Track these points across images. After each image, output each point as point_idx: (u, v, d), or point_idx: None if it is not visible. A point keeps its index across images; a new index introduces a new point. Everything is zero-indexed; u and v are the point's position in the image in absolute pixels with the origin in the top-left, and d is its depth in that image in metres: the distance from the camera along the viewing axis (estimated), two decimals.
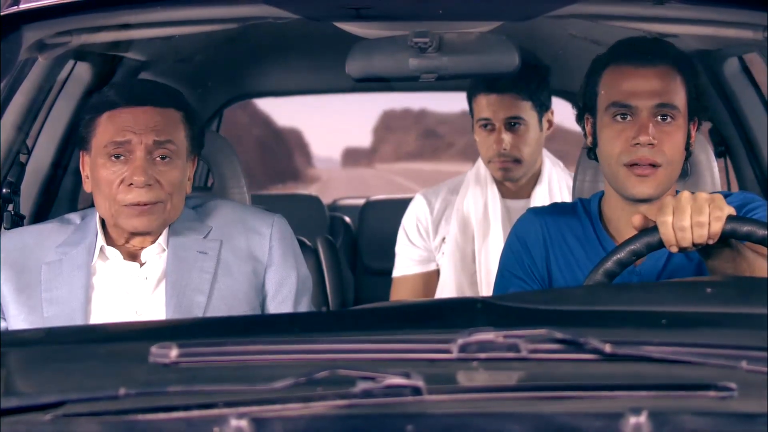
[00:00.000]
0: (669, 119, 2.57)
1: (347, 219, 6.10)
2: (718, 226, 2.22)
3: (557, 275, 2.70)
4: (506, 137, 3.62)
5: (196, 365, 1.52)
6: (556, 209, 2.81)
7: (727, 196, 2.63)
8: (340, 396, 1.40)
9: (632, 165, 2.56)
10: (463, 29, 2.66)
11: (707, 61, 3.74)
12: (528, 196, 3.73)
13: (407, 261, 3.84)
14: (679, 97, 2.59)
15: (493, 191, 3.71)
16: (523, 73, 3.24)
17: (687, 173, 3.16)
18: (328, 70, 4.99)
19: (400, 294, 3.85)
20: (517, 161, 3.66)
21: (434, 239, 3.79)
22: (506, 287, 2.75)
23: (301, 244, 3.73)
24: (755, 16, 2.49)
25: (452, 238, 3.72)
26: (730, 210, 2.24)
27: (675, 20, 2.62)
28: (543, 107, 3.71)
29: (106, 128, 2.62)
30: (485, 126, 3.67)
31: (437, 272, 3.80)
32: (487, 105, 3.65)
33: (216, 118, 5.86)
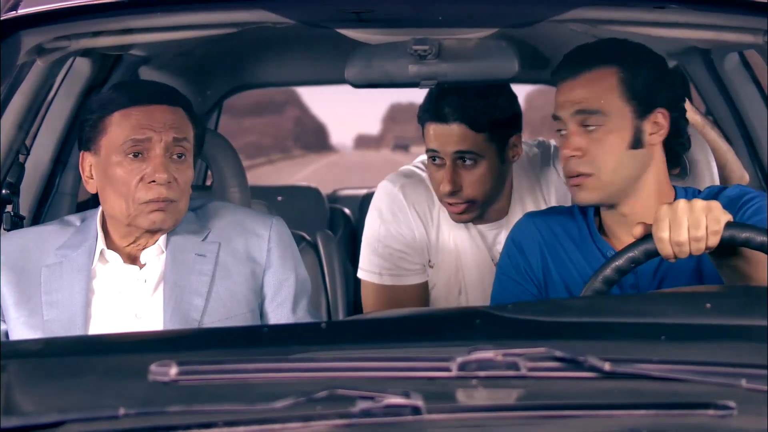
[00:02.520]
0: (594, 126, 2.57)
1: (347, 211, 6.11)
2: (715, 240, 2.22)
3: (555, 277, 2.71)
4: (456, 176, 3.13)
5: (195, 383, 1.52)
6: (552, 212, 2.82)
7: (723, 189, 2.64)
8: (340, 415, 1.40)
9: (569, 177, 2.62)
10: (463, 35, 2.65)
11: (707, 56, 3.74)
12: (502, 217, 3.31)
13: (395, 267, 3.36)
14: (608, 99, 2.58)
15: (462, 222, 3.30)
16: (479, 99, 3.08)
17: (686, 173, 3.16)
18: (327, 61, 4.99)
19: (386, 306, 3.37)
20: (472, 202, 3.17)
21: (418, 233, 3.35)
22: (503, 291, 2.78)
23: (301, 238, 3.73)
24: (755, 21, 2.48)
25: (437, 270, 3.36)
26: (728, 218, 2.23)
27: (675, 24, 2.62)
28: (505, 134, 3.17)
29: (121, 127, 2.61)
30: (433, 159, 3.17)
31: (424, 285, 3.40)
32: (434, 135, 3.13)
33: (216, 110, 5.87)
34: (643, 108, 2.59)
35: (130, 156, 2.59)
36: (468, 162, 3.13)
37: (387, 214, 3.35)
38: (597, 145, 2.57)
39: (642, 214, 2.58)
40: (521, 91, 3.20)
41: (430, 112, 3.14)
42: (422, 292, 3.39)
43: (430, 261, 3.36)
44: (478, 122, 3.10)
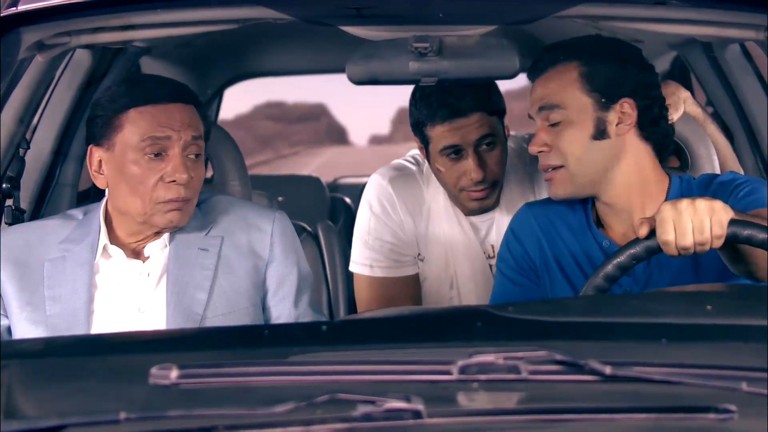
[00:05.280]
0: (558, 120, 2.61)
1: (347, 200, 6.12)
2: (719, 243, 2.21)
3: (553, 266, 2.72)
4: (481, 162, 3.16)
5: (196, 387, 1.52)
6: (552, 202, 2.83)
7: (716, 176, 2.64)
8: (341, 420, 1.40)
9: (543, 172, 2.68)
10: (464, 32, 2.65)
11: (708, 47, 3.73)
12: (494, 208, 3.31)
13: (386, 259, 3.39)
14: (567, 93, 2.61)
15: (453, 215, 3.33)
16: (481, 86, 3.13)
17: (687, 166, 3.16)
18: (327, 51, 4.99)
19: (378, 298, 3.40)
20: (494, 184, 3.22)
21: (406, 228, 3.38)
22: (504, 282, 2.81)
23: (302, 229, 3.74)
24: (756, 17, 2.48)
25: (427, 264, 3.39)
26: (730, 216, 2.23)
27: (676, 20, 2.62)
28: (503, 114, 3.25)
29: (137, 124, 2.59)
30: (452, 154, 3.17)
31: (415, 276, 3.43)
32: (451, 131, 3.14)
33: (216, 99, 5.87)
34: (606, 99, 2.61)
35: (150, 155, 2.59)
36: (489, 146, 3.17)
37: (377, 206, 3.39)
38: (560, 138, 2.62)
39: (627, 204, 2.63)
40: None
41: (442, 112, 3.15)
42: (414, 283, 3.42)
43: (419, 254, 3.39)
44: (491, 107, 3.17)
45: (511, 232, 2.83)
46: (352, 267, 3.45)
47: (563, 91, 2.62)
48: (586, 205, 2.75)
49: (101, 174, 2.66)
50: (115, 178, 2.63)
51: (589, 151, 2.60)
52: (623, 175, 2.63)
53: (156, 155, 2.59)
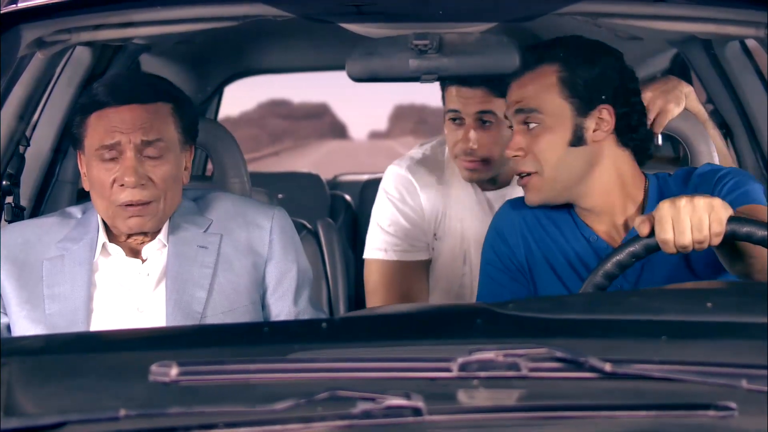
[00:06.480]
0: (534, 125, 2.60)
1: (348, 197, 6.11)
2: (717, 240, 2.21)
3: (539, 260, 2.70)
4: (475, 134, 3.26)
5: (196, 384, 1.52)
6: None
7: (694, 169, 2.64)
8: (341, 417, 1.40)
9: (517, 176, 2.67)
10: (464, 29, 2.65)
11: (708, 44, 3.73)
12: (507, 183, 3.39)
13: (401, 243, 3.42)
14: (545, 97, 2.60)
15: (472, 191, 3.40)
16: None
17: (687, 164, 3.15)
18: (327, 49, 4.99)
19: (388, 283, 3.43)
20: (486, 161, 3.29)
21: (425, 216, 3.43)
22: (488, 281, 2.79)
23: (302, 226, 3.73)
24: (756, 15, 2.48)
25: (442, 240, 3.42)
26: (729, 213, 2.22)
27: (676, 18, 2.62)
28: None
29: (95, 129, 2.60)
30: (454, 119, 3.30)
31: (427, 262, 3.46)
32: (457, 96, 3.27)
33: (216, 96, 5.87)
34: (584, 105, 2.60)
35: (105, 159, 2.59)
36: (487, 123, 3.25)
37: (395, 193, 3.43)
38: (537, 143, 2.60)
39: (607, 207, 2.63)
40: None
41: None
42: (425, 269, 3.45)
43: (435, 234, 3.42)
44: (500, 88, 3.13)
45: (494, 230, 2.81)
46: (367, 253, 3.47)
47: (542, 95, 2.60)
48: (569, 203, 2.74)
49: (86, 177, 2.67)
50: (88, 180, 2.65)
51: (565, 157, 2.59)
52: (600, 182, 2.62)
53: (111, 159, 2.59)
